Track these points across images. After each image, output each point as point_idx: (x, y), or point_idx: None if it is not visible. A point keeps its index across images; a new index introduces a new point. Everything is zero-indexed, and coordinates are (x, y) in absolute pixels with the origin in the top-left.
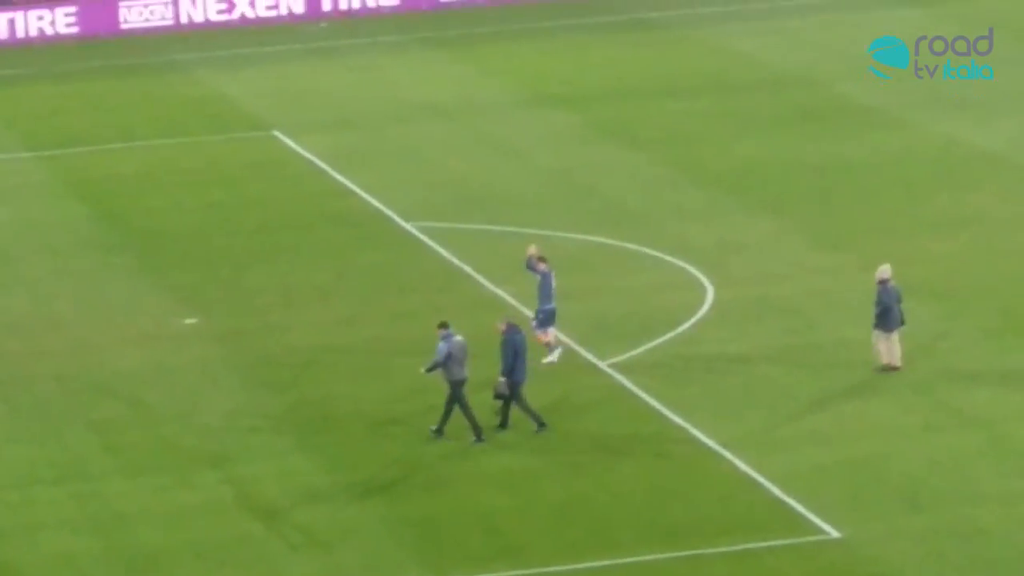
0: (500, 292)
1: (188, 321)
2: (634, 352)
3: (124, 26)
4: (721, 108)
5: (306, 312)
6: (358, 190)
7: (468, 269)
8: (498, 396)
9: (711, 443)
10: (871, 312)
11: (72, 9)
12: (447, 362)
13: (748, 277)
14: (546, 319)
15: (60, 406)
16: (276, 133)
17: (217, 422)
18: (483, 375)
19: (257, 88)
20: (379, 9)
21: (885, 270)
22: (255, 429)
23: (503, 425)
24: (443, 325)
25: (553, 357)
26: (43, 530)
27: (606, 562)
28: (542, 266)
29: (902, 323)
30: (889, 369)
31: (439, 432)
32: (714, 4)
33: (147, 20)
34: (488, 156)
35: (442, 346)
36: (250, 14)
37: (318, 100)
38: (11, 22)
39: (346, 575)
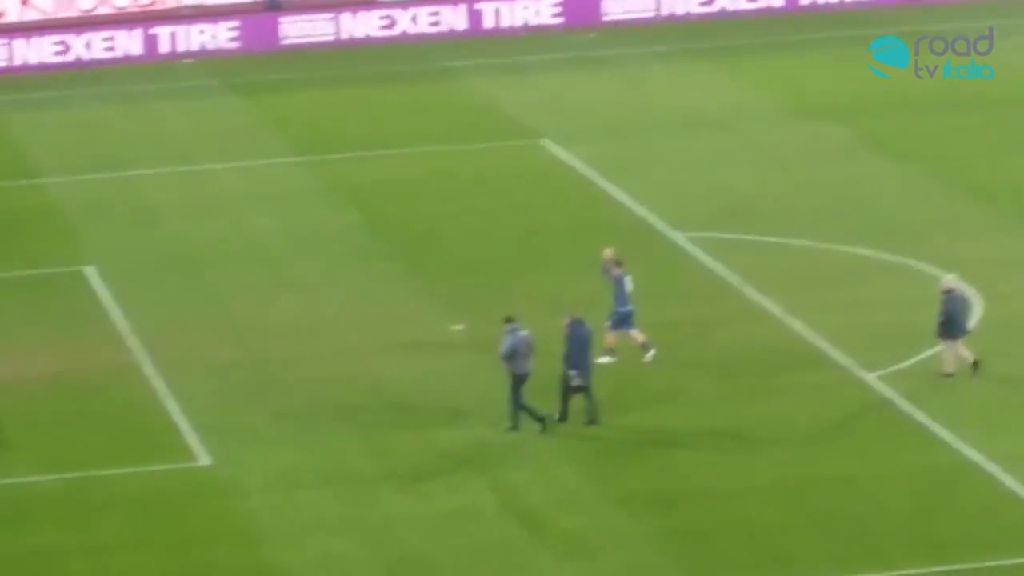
0: (765, 303)
1: (456, 327)
2: (901, 365)
3: (392, 32)
4: (991, 123)
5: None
6: (625, 199)
7: (734, 280)
8: (575, 389)
9: (978, 457)
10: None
11: (331, 15)
12: (512, 356)
13: (1019, 293)
14: (620, 321)
15: (326, 410)
16: (545, 142)
17: (483, 428)
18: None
19: (526, 97)
20: (642, 20)
21: (950, 280)
22: (522, 436)
23: (592, 421)
24: (508, 320)
25: (611, 359)
26: (308, 533)
27: (871, 575)
28: (616, 270)
29: (966, 332)
30: (949, 377)
31: (514, 428)
32: (985, 18)
33: (424, 27)
34: (755, 167)
35: (507, 340)
36: (519, 23)
37: (586, 109)
38: (274, 26)
39: None
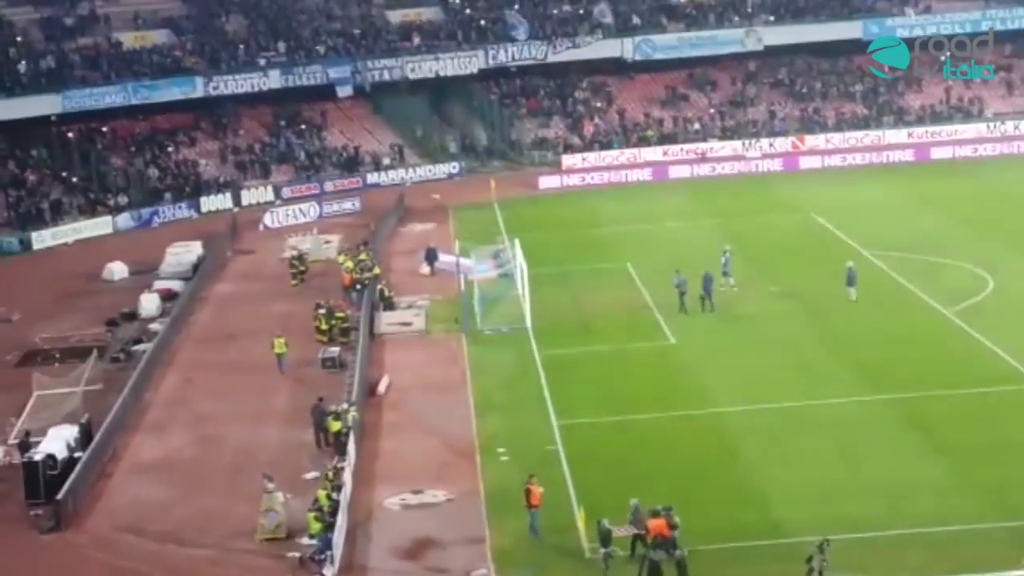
0: (909, 285)
1: (772, 288)
2: (961, 305)
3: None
4: (1016, 212)
5: (808, 285)
6: (844, 237)
7: (895, 275)
8: (702, 299)
9: (1003, 353)
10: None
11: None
12: (679, 285)
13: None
14: (723, 273)
15: (738, 320)
16: (813, 215)
17: (799, 321)
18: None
19: (804, 194)
20: (852, 164)
21: (850, 263)
22: (827, 323)
23: (703, 309)
24: (677, 270)
25: (729, 288)
26: (723, 373)
27: (953, 391)
28: (724, 256)
29: (854, 284)
30: (853, 302)
31: (685, 312)
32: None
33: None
34: (903, 224)
35: (675, 278)
36: (808, 166)
37: (830, 199)
38: (665, 169)
39: None
